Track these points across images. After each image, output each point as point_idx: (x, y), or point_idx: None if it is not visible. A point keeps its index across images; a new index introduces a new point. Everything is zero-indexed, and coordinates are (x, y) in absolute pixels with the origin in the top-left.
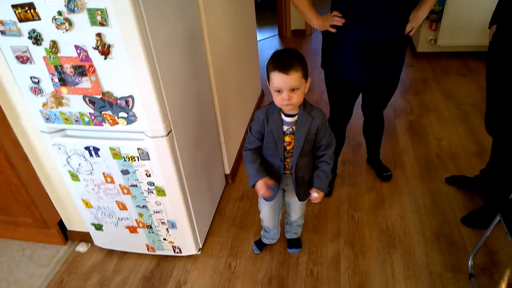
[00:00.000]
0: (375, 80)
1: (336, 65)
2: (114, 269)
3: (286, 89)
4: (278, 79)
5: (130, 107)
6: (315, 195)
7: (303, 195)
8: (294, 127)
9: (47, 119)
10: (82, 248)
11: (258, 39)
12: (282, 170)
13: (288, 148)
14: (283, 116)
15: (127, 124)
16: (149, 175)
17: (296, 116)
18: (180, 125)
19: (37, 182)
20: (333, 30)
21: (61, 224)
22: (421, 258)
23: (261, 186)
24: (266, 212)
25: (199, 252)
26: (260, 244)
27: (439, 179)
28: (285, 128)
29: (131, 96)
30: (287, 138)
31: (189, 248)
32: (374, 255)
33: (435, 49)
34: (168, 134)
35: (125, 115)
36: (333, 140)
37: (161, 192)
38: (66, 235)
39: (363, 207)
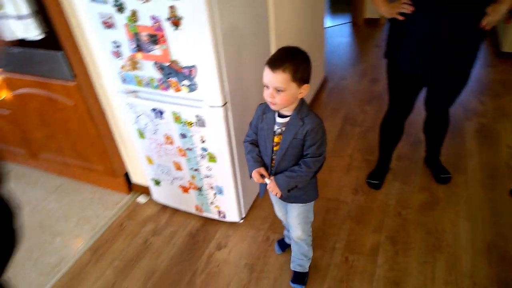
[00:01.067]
0: (442, 73)
1: (401, 54)
2: (166, 222)
3: (270, 86)
4: (265, 73)
5: (192, 76)
6: (267, 180)
7: (284, 198)
8: (283, 128)
9: (123, 80)
10: (141, 199)
11: (329, 25)
12: (270, 169)
13: (275, 148)
14: (276, 115)
15: (188, 91)
16: (203, 141)
17: (288, 118)
18: (236, 98)
19: (110, 135)
20: (401, 17)
21: (127, 176)
22: (466, 267)
23: (254, 175)
24: (275, 207)
25: (241, 221)
26: (282, 244)
27: (503, 190)
28: (275, 127)
29: (195, 66)
30: (276, 139)
31: (233, 215)
32: (416, 255)
33: None
34: (223, 105)
35: (187, 83)
36: (321, 156)
37: (212, 158)
38: (131, 186)
39: (413, 206)
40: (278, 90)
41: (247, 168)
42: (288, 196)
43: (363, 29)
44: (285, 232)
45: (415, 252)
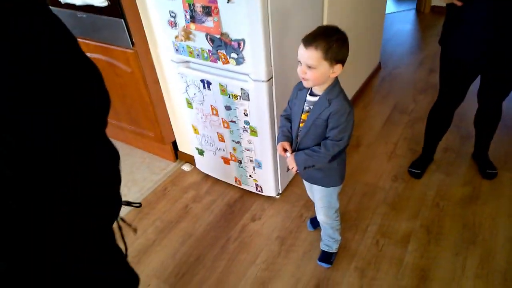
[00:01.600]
0: (497, 62)
1: (455, 41)
2: (206, 190)
3: (302, 62)
4: (299, 49)
5: (241, 49)
6: (288, 154)
7: (304, 174)
8: (311, 107)
9: (176, 50)
10: (186, 167)
11: (392, 11)
12: (294, 145)
13: (301, 125)
14: (308, 93)
15: (236, 64)
16: (247, 115)
17: (318, 97)
18: (280, 74)
19: (162, 103)
20: (459, 3)
21: (174, 144)
22: (500, 263)
23: (279, 148)
24: (307, 189)
25: (278, 196)
26: (314, 222)
27: None
28: (305, 105)
29: (243, 40)
30: (303, 116)
31: (270, 189)
32: (449, 245)
33: None
34: (268, 80)
35: (235, 56)
36: (341, 141)
37: (253, 132)
38: (177, 154)
39: (452, 198)
40: (309, 66)
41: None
42: (308, 176)
43: (428, 16)
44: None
45: (448, 243)
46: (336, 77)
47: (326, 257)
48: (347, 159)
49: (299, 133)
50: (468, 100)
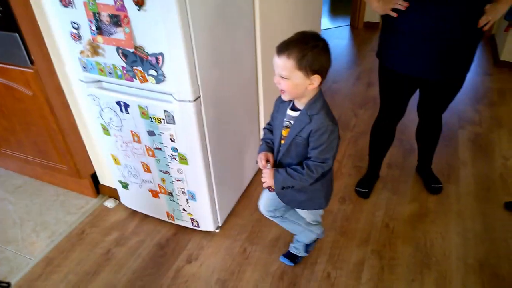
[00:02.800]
0: (435, 75)
1: (393, 54)
2: (133, 230)
3: (276, 72)
4: (274, 57)
5: (159, 65)
6: (268, 166)
7: (285, 198)
8: (292, 122)
9: (84, 67)
10: (110, 204)
11: (327, 27)
12: (275, 163)
13: (282, 142)
14: (289, 107)
15: (155, 82)
16: (173, 140)
17: (299, 112)
18: (210, 92)
19: (75, 131)
20: (394, 14)
21: (95, 177)
22: (457, 287)
23: (260, 157)
24: (263, 196)
25: (217, 230)
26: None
27: (497, 203)
28: (285, 119)
29: (162, 54)
30: (283, 132)
31: (207, 224)
32: (403, 272)
33: None
34: (195, 100)
35: (154, 73)
36: (324, 163)
37: (183, 159)
38: (98, 188)
39: (401, 217)
40: (283, 77)
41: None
42: (289, 200)
43: (362, 32)
44: (292, 244)
45: (402, 269)
46: (320, 90)
47: (293, 256)
48: None
49: (280, 149)
50: (408, 113)
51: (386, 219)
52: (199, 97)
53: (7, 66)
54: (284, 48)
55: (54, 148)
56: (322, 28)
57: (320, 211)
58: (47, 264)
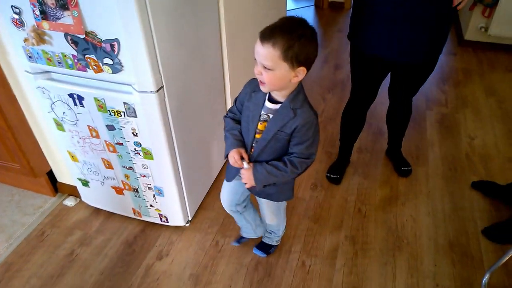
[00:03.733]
0: (407, 58)
1: (365, 36)
2: (97, 229)
3: (258, 61)
4: (256, 44)
5: (115, 53)
6: (245, 165)
7: (256, 191)
8: (271, 116)
9: (30, 57)
10: (70, 202)
11: (291, 8)
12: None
13: (257, 136)
14: (266, 98)
15: (112, 72)
16: (136, 135)
17: (279, 105)
18: (175, 81)
19: (25, 127)
20: None
21: (52, 175)
22: (428, 267)
23: (233, 155)
24: (224, 191)
25: (187, 225)
26: (241, 239)
27: (465, 182)
28: (262, 112)
29: (117, 40)
30: (260, 125)
31: (177, 218)
32: (376, 255)
33: (484, 38)
34: (158, 90)
35: (110, 62)
36: (310, 159)
37: (148, 154)
38: (56, 186)
39: (373, 201)
40: (265, 67)
41: (225, 147)
42: (261, 192)
43: (327, 13)
44: (240, 232)
45: (375, 253)
46: (300, 82)
47: (265, 246)
48: None
49: (253, 144)
50: (377, 96)
51: (358, 204)
52: (162, 87)
53: None
54: (268, 35)
55: (4, 146)
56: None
57: (284, 204)
58: (6, 269)
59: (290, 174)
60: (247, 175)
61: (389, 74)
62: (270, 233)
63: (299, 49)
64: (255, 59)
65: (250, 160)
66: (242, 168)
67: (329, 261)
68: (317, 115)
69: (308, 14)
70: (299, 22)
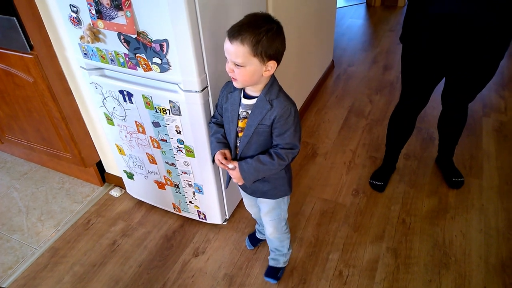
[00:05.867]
0: (465, 61)
1: (419, 38)
2: (139, 221)
3: (229, 59)
4: (225, 43)
5: (164, 52)
6: (230, 166)
7: (248, 189)
8: (249, 112)
9: (85, 54)
10: (115, 193)
11: (342, 5)
12: (234, 157)
13: (239, 135)
14: (242, 95)
15: (160, 72)
16: (179, 132)
17: (255, 100)
18: (219, 82)
19: (78, 119)
20: None
21: (100, 165)
22: None
23: (217, 156)
24: (245, 201)
25: (225, 223)
26: (253, 239)
27: None
28: (240, 110)
29: (166, 40)
30: (240, 123)
31: (214, 216)
32: (420, 271)
33: None
34: (202, 90)
35: (158, 61)
36: (295, 146)
37: (190, 152)
38: (104, 177)
39: (419, 213)
40: (237, 64)
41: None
42: (253, 190)
43: (379, 11)
44: (257, 226)
45: (418, 268)
46: (273, 74)
47: (273, 272)
48: (304, 173)
49: (237, 143)
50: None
51: (403, 214)
52: (207, 87)
53: (6, 52)
54: (236, 33)
55: (58, 136)
56: (337, 6)
57: (284, 211)
58: (53, 254)
59: (277, 167)
60: (235, 174)
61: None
62: (274, 252)
63: (268, 43)
64: (226, 57)
65: (236, 159)
66: (228, 168)
67: (368, 273)
68: (294, 103)
69: (359, 12)
70: (264, 18)
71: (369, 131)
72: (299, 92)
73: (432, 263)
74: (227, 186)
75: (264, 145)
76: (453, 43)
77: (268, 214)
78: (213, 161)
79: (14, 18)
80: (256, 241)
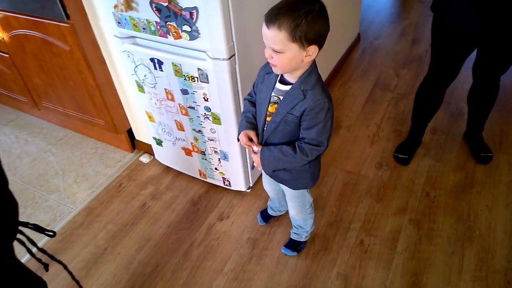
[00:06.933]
0: (499, 32)
1: (451, 7)
2: (167, 186)
3: (267, 44)
4: (263, 28)
5: (194, 20)
6: (255, 148)
7: (271, 174)
8: (281, 98)
9: (118, 22)
10: (145, 159)
11: None
12: (260, 139)
13: (268, 119)
14: (277, 80)
15: (189, 39)
16: (207, 100)
17: (290, 87)
18: (247, 50)
19: (111, 87)
20: None
21: (130, 133)
22: (500, 262)
23: (242, 138)
24: (264, 179)
25: (248, 190)
26: (265, 215)
27: None
28: (272, 94)
29: (196, 8)
30: (270, 108)
31: (239, 183)
32: (443, 243)
33: None
34: (230, 58)
35: (188, 29)
36: (321, 146)
37: (216, 119)
38: (134, 144)
39: (444, 186)
40: (275, 51)
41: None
42: (274, 174)
43: None
44: (269, 203)
45: (441, 240)
46: (314, 62)
47: (294, 244)
48: None
49: (265, 127)
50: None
51: (427, 187)
52: (234, 55)
53: (44, 21)
54: (273, 17)
55: (92, 103)
56: None
57: (308, 196)
58: (88, 213)
59: (298, 161)
60: (255, 158)
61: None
62: (297, 228)
63: (307, 27)
64: (264, 42)
65: (260, 143)
66: (252, 151)
67: (390, 243)
68: (330, 98)
69: None
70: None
71: (395, 105)
72: (323, 66)
73: (456, 236)
74: (252, 167)
75: (291, 135)
76: (487, 10)
77: (291, 200)
78: (238, 138)
79: None
80: (268, 217)
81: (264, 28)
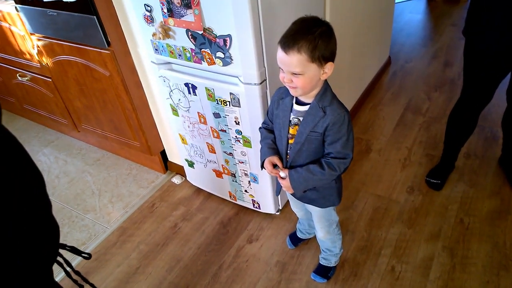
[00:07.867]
0: None
1: (484, 31)
2: (198, 207)
3: (285, 69)
4: (279, 55)
5: (227, 47)
6: (282, 174)
7: (299, 196)
8: (301, 119)
9: (156, 49)
10: (177, 180)
11: (399, 0)
12: (285, 164)
13: (290, 142)
14: (294, 102)
15: (222, 65)
16: (238, 123)
17: (308, 106)
18: (277, 76)
19: (147, 110)
20: None
21: (164, 154)
22: None
23: (267, 164)
24: (291, 201)
25: (278, 213)
26: (294, 238)
27: None
28: (291, 116)
29: (229, 36)
30: (291, 130)
31: (268, 206)
32: (477, 272)
33: None
34: (261, 83)
35: (222, 55)
36: (347, 159)
37: (247, 142)
38: (167, 165)
39: (479, 213)
40: (295, 73)
41: (259, 157)
42: (302, 196)
43: (440, 5)
44: (298, 226)
45: (476, 269)
46: (326, 80)
47: (323, 271)
48: (357, 168)
49: (288, 150)
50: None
51: (461, 214)
52: (265, 79)
53: (87, 48)
54: (291, 42)
55: (128, 126)
56: (396, 1)
57: (334, 215)
58: (121, 233)
59: (328, 177)
60: (284, 183)
61: (510, 74)
62: (325, 252)
63: (324, 46)
64: (280, 68)
65: (286, 166)
66: (279, 177)
67: (422, 271)
68: (348, 111)
69: (419, 7)
70: (314, 21)
71: (427, 129)
72: (353, 89)
73: (491, 264)
74: (278, 193)
75: (315, 153)
76: None
77: (319, 221)
78: (262, 166)
79: (95, 17)
80: (297, 240)
81: (282, 54)
